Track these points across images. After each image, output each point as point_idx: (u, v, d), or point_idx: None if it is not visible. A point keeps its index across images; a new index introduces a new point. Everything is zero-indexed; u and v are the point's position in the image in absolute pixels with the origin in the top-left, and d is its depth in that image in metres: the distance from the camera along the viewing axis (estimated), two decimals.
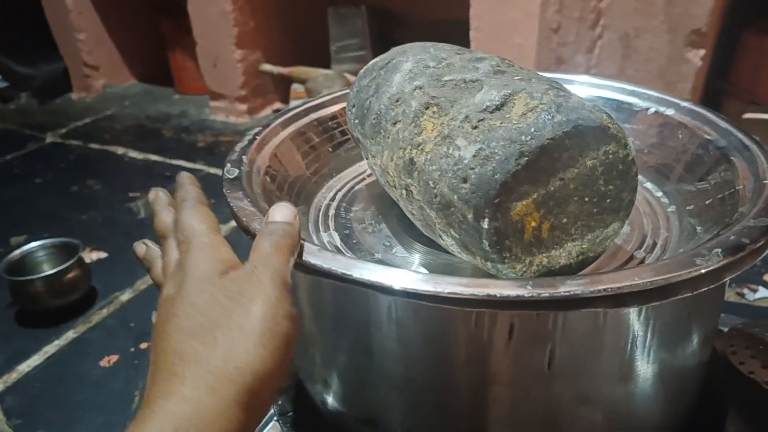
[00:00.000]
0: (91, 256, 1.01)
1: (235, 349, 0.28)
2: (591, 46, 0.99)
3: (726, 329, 0.54)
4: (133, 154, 1.42)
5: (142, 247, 0.40)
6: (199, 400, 0.27)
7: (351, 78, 1.46)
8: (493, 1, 1.05)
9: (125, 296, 0.90)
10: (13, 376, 0.76)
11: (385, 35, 1.60)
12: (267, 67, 1.55)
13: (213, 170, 1.29)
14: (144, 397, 0.29)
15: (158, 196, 0.40)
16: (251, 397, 0.28)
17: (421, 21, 1.64)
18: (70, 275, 0.86)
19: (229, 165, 0.46)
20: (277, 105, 1.65)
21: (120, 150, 1.44)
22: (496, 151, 0.33)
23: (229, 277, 0.31)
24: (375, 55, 0.49)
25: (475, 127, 0.35)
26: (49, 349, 0.81)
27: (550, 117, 0.33)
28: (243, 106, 1.57)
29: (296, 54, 1.63)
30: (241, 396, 0.27)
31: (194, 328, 0.29)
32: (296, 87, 1.53)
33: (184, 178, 0.40)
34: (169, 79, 1.81)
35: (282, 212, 0.35)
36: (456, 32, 1.13)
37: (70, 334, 0.83)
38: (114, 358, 0.77)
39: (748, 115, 1.01)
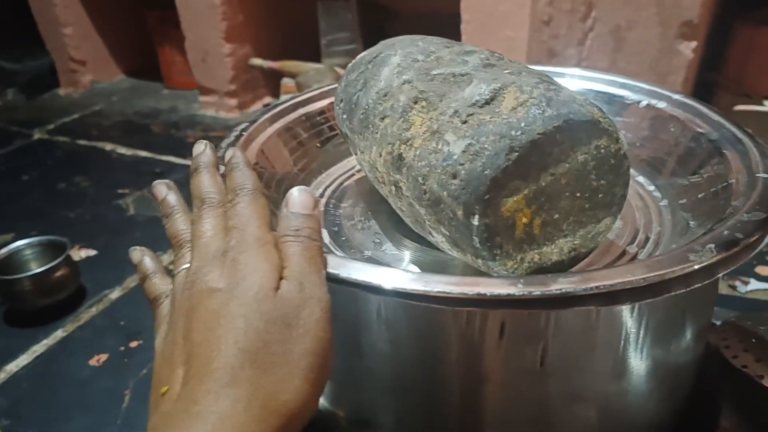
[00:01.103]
0: (79, 253, 0.99)
1: (285, 382, 0.28)
2: (582, 39, 0.99)
3: (719, 323, 0.54)
4: (122, 150, 1.40)
5: (138, 254, 0.38)
6: (246, 428, 0.27)
7: (342, 72, 1.44)
8: None
9: (114, 294, 0.89)
10: (1, 376, 0.75)
11: (376, 28, 1.58)
12: (257, 61, 1.53)
13: None
14: (181, 395, 0.28)
15: (207, 152, 0.37)
16: (289, 426, 0.28)
17: (412, 14, 1.63)
18: (58, 273, 0.85)
19: None
20: (268, 99, 1.63)
21: (108, 146, 1.43)
22: (485, 146, 0.32)
23: (283, 297, 0.30)
24: (366, 49, 0.48)
25: (465, 122, 0.34)
26: (38, 348, 0.80)
27: (540, 111, 0.33)
28: (233, 101, 1.55)
29: (286, 48, 1.61)
30: (281, 426, 0.28)
31: (251, 350, 0.28)
32: (287, 81, 1.51)
33: (239, 158, 0.36)
34: (157, 73, 1.79)
35: (303, 200, 0.33)
36: (447, 25, 1.12)
37: (59, 333, 0.82)
38: (103, 356, 0.76)
39: (740, 107, 1.01)
